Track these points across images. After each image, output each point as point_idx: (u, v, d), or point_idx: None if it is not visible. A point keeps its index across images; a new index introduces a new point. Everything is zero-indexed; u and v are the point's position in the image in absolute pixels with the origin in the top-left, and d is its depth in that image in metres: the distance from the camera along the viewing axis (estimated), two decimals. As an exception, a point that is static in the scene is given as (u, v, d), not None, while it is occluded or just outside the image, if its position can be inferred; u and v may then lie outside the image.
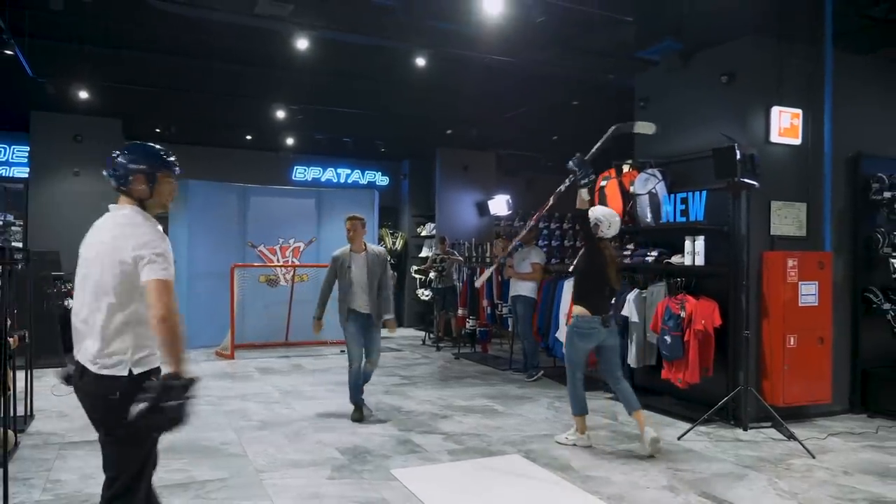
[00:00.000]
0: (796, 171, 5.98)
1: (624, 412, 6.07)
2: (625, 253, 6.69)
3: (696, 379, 5.63)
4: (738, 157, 5.14)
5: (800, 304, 5.68)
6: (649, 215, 6.27)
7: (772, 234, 5.83)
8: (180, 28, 7.50)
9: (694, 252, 5.86)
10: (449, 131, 11.46)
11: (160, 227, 2.52)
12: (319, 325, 5.88)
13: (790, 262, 5.64)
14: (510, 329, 8.74)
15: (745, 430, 5.32)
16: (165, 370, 2.37)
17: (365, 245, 5.85)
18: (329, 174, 13.33)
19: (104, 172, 2.56)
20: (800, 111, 5.91)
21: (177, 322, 2.32)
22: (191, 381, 2.30)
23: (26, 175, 10.04)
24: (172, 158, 2.61)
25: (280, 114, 9.89)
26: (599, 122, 10.65)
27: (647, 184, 6.28)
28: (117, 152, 2.54)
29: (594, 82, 8.84)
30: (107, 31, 7.56)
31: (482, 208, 12.66)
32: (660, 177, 6.25)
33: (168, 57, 8.37)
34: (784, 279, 5.63)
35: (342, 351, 9.71)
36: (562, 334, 7.03)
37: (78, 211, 9.14)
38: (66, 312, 8.34)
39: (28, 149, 9.99)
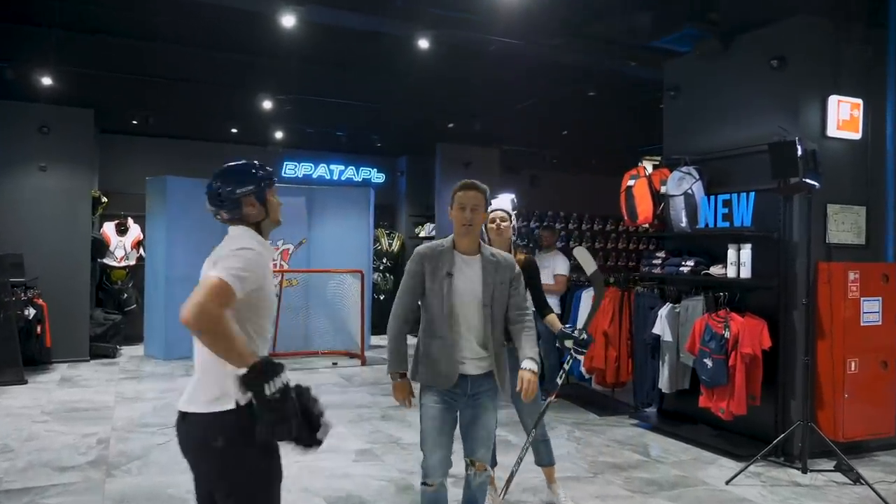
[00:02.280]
0: (854, 171, 5.23)
1: (655, 445, 5.33)
2: (654, 262, 5.92)
3: (743, 410, 4.88)
4: (800, 152, 4.39)
5: (861, 324, 4.93)
6: (684, 219, 5.51)
7: (827, 241, 5.08)
8: (158, 10, 6.74)
9: (739, 262, 5.09)
10: (451, 125, 10.68)
11: (266, 252, 2.27)
12: (408, 390, 3.09)
13: (851, 275, 4.89)
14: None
15: (804, 471, 4.57)
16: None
17: (481, 244, 3.11)
18: (321, 170, 12.52)
19: (208, 208, 2.30)
20: (860, 101, 5.16)
21: (211, 325, 1.92)
22: (266, 368, 1.92)
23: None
24: (270, 169, 2.39)
25: (267, 104, 9.08)
26: (613, 114, 10.05)
27: (681, 183, 5.51)
28: (215, 183, 2.28)
29: (608, 72, 8.09)
30: (74, 12, 6.75)
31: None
32: (696, 175, 5.49)
33: (144, 42, 7.58)
34: (844, 294, 4.89)
35: (335, 363, 8.95)
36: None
37: (44, 209, 8.30)
38: (28, 324, 7.54)
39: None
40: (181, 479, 4.55)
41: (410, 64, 7.84)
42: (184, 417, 2.12)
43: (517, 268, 3.11)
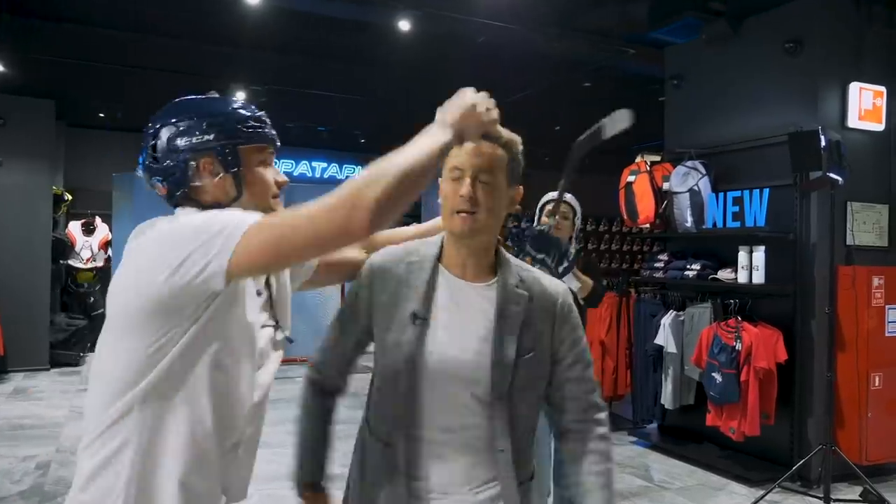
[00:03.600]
0: (877, 165, 4.77)
1: (657, 467, 4.86)
2: (656, 265, 5.43)
3: (756, 431, 4.39)
4: (824, 144, 3.91)
5: (886, 334, 4.47)
6: (689, 218, 5.03)
7: (847, 244, 4.61)
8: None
9: (751, 266, 4.61)
10: (437, 120, 10.17)
11: None
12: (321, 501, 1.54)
13: (876, 281, 4.42)
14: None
15: (826, 501, 4.08)
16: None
17: (502, 254, 1.46)
18: (302, 168, 11.99)
19: (138, 172, 1.39)
20: (883, 89, 4.69)
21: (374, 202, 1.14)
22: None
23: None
24: (259, 113, 1.38)
25: (241, 95, 8.54)
26: (608, 109, 9.58)
27: (686, 179, 5.03)
28: (152, 128, 1.33)
29: (602, 65, 7.62)
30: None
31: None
32: (703, 171, 5.00)
33: (110, 30, 7.03)
34: (868, 302, 4.42)
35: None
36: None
37: (1, 208, 7.74)
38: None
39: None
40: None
41: (395, 55, 7.35)
42: None
43: (575, 314, 1.48)
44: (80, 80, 8.41)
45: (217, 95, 1.41)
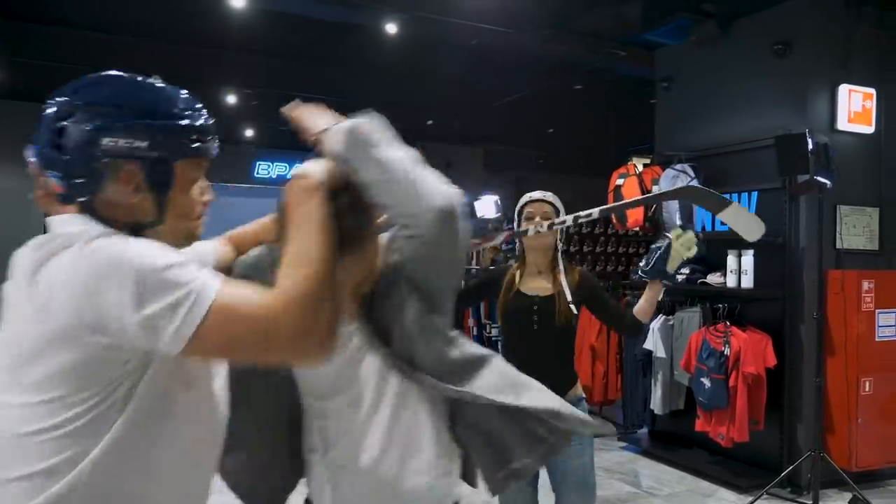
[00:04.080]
0: (867, 168, 4.73)
1: (646, 473, 4.80)
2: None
3: (745, 437, 4.34)
4: (811, 147, 3.87)
5: (876, 339, 4.42)
6: (678, 222, 4.98)
7: (837, 247, 4.56)
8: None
9: (740, 270, 4.57)
10: (430, 122, 10.13)
11: None
12: None
13: (866, 285, 4.37)
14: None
15: (814, 508, 4.03)
16: None
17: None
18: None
19: (31, 161, 1.11)
20: (873, 91, 4.65)
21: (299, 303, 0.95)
22: None
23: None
24: (211, 123, 1.15)
25: (231, 99, 8.51)
26: (601, 112, 9.53)
27: (675, 182, 4.98)
28: (58, 109, 1.04)
29: (594, 68, 7.58)
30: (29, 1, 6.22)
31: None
32: (692, 174, 4.95)
33: (101, 34, 7.03)
34: (858, 307, 4.37)
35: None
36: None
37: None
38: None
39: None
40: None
41: (386, 57, 7.31)
42: None
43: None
44: (65, 83, 8.37)
45: (161, 84, 1.12)
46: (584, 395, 2.60)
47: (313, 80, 8.49)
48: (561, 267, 2.53)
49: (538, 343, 2.47)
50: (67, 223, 1.03)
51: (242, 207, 9.68)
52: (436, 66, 7.95)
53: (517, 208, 2.67)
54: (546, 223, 2.48)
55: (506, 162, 12.15)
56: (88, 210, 1.04)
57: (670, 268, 2.50)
